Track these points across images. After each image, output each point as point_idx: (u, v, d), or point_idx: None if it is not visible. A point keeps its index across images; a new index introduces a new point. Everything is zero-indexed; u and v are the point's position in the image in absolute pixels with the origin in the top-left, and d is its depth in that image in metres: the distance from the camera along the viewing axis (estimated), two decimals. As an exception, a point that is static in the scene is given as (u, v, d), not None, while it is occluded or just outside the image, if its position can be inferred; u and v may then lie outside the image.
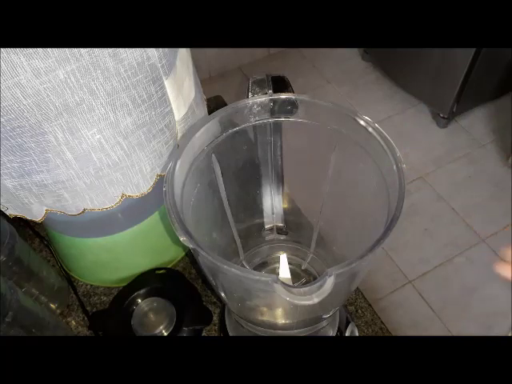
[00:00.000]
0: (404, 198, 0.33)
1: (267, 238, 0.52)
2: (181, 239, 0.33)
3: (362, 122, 0.38)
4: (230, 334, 0.48)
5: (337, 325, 0.47)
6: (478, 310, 1.30)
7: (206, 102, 0.53)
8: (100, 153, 0.39)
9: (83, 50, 0.33)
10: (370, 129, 0.37)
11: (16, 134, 0.35)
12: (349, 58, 2.00)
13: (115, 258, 0.54)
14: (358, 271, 0.35)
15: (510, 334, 1.19)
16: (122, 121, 0.38)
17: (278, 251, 0.52)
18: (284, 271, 0.47)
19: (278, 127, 0.43)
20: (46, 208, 0.44)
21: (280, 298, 0.29)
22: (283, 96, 0.40)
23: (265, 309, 0.42)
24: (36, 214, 0.44)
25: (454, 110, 1.63)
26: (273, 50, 2.05)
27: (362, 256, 0.30)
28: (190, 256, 0.60)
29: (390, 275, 1.37)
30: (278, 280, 0.29)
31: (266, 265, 0.51)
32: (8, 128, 0.35)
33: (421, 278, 1.37)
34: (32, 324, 0.42)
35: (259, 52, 2.02)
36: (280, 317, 0.41)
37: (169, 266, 0.58)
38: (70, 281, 0.58)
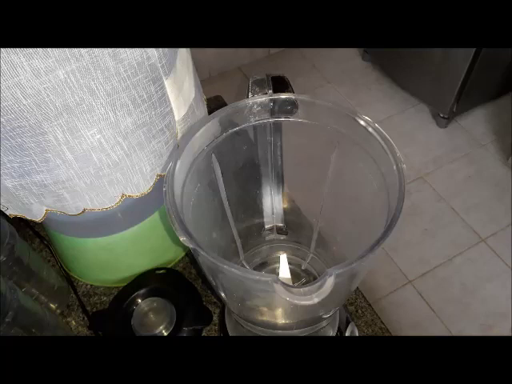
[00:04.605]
0: (404, 199, 0.33)
1: (267, 238, 0.52)
2: (181, 239, 0.33)
3: (362, 122, 0.38)
4: (230, 333, 0.48)
5: (337, 325, 0.46)
6: (477, 309, 1.30)
7: (206, 102, 0.53)
8: (100, 153, 0.39)
9: (83, 50, 0.33)
10: (370, 129, 0.37)
11: (16, 133, 0.35)
12: (349, 58, 2.00)
13: (115, 258, 0.54)
14: (358, 271, 0.35)
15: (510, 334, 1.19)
16: (122, 121, 0.38)
17: (277, 251, 0.52)
18: (284, 271, 0.47)
19: (278, 127, 0.43)
20: (46, 208, 0.44)
21: (280, 298, 0.29)
22: (283, 96, 0.40)
23: (265, 309, 0.42)
24: (36, 213, 0.44)
25: (454, 109, 1.63)
26: (273, 50, 2.05)
27: (362, 256, 0.30)
28: (190, 256, 0.60)
29: (390, 275, 1.37)
30: (278, 280, 0.29)
31: (266, 265, 0.51)
32: (8, 128, 0.35)
33: (421, 278, 1.37)
34: (32, 324, 0.42)
35: (259, 52, 2.02)
36: (280, 317, 0.41)
37: (169, 266, 0.58)
38: (70, 281, 0.58)
